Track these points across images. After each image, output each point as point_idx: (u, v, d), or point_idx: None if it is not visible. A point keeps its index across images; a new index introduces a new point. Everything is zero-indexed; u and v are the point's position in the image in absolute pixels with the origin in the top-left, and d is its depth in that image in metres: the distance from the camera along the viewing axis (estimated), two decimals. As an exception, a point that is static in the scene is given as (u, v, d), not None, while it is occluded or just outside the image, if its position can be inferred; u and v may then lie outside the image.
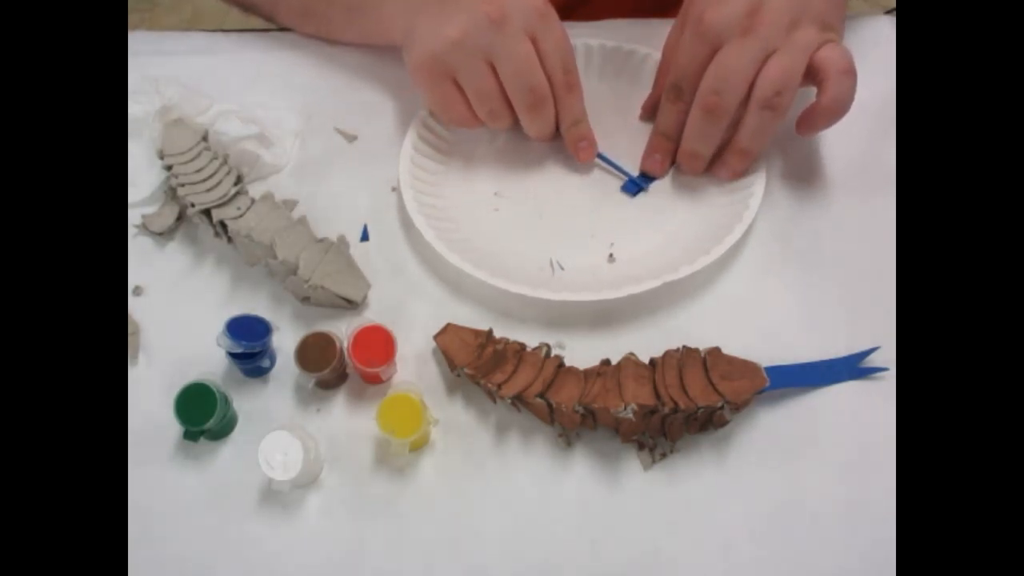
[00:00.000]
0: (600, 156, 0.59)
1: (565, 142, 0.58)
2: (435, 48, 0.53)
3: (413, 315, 0.54)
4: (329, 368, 0.48)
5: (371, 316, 0.54)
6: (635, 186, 0.58)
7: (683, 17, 0.55)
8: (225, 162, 0.55)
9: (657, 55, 0.60)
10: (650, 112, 0.60)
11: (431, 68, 0.54)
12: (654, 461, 0.48)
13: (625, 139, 0.60)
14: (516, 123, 0.56)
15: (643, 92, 0.61)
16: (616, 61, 0.62)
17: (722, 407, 0.47)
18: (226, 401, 0.48)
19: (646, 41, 0.61)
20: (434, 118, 0.59)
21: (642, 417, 0.46)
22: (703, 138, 0.54)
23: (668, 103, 0.56)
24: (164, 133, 0.56)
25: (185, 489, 0.48)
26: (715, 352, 0.49)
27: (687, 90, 0.54)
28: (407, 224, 0.57)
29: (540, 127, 0.55)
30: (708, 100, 0.52)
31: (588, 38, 0.62)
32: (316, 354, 0.49)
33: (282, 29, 0.68)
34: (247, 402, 0.51)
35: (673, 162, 0.58)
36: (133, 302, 0.55)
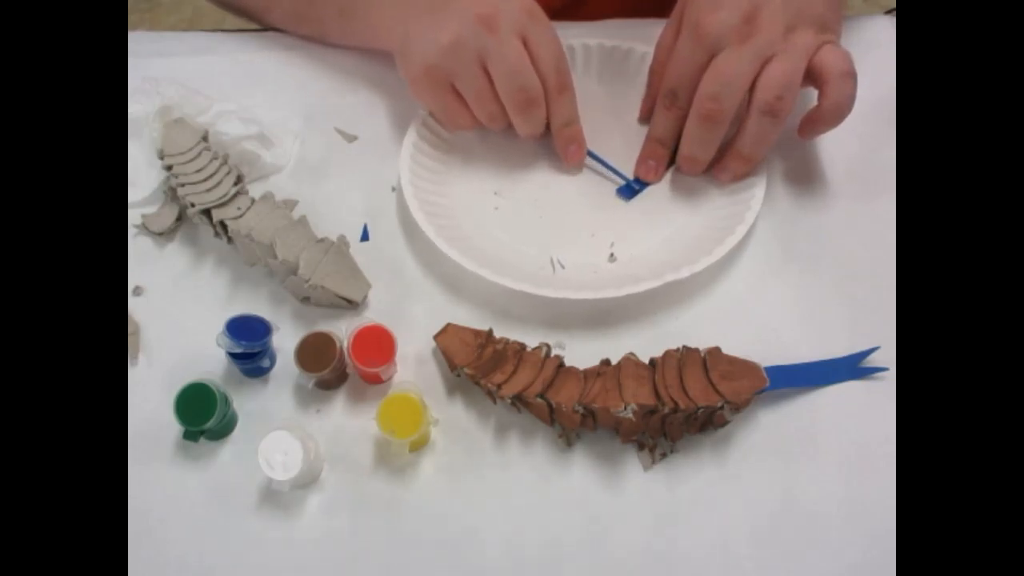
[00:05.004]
0: (592, 155, 0.59)
1: (555, 143, 0.58)
2: (430, 57, 0.53)
3: (413, 315, 0.54)
4: (329, 368, 0.48)
5: (371, 316, 0.54)
6: (630, 190, 0.58)
7: (677, 21, 0.55)
8: (225, 162, 0.55)
9: (656, 54, 0.60)
10: (648, 115, 0.60)
11: (429, 77, 0.54)
12: (654, 461, 0.49)
13: (623, 140, 0.60)
14: None
15: (642, 92, 0.61)
16: (615, 60, 0.62)
17: (722, 407, 0.47)
18: (226, 401, 0.48)
19: (645, 41, 0.61)
20: (434, 118, 0.59)
21: (642, 417, 0.46)
22: (702, 144, 0.54)
23: (663, 109, 0.55)
24: (164, 133, 0.56)
25: (185, 489, 0.48)
26: (715, 352, 0.49)
27: (683, 96, 0.54)
28: (407, 224, 0.57)
29: (530, 127, 0.56)
30: (706, 106, 0.52)
31: (586, 38, 0.62)
32: (316, 354, 0.49)
33: (278, 30, 0.68)
34: (247, 402, 0.51)
35: (669, 167, 0.58)
36: (133, 302, 0.55)
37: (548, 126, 0.57)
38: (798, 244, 0.56)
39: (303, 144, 0.62)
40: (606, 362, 0.50)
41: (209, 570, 0.46)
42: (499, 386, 0.48)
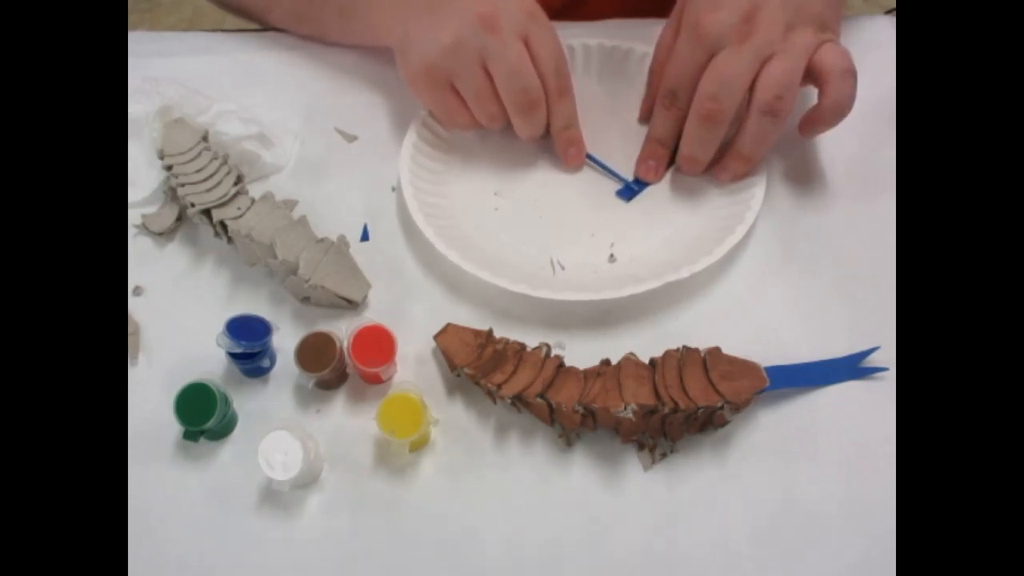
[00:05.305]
0: (591, 158, 0.59)
1: (555, 146, 0.58)
2: (430, 56, 0.53)
3: (413, 315, 0.54)
4: (329, 368, 0.48)
5: (371, 316, 0.54)
6: (629, 191, 0.58)
7: (677, 20, 0.55)
8: (225, 162, 0.55)
9: (657, 54, 0.60)
10: (648, 115, 0.60)
11: (429, 76, 0.54)
12: (654, 461, 0.49)
13: (623, 140, 0.60)
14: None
15: (642, 92, 0.61)
16: (615, 60, 0.62)
17: (722, 407, 0.47)
18: (226, 401, 0.48)
19: (645, 41, 0.61)
20: (434, 118, 0.59)
21: (642, 417, 0.46)
22: (701, 144, 0.54)
23: (663, 109, 0.55)
24: (164, 133, 0.56)
25: (185, 489, 0.48)
26: (715, 352, 0.49)
27: (683, 96, 0.54)
28: (407, 224, 0.57)
29: (531, 129, 0.56)
30: (706, 107, 0.52)
31: (586, 38, 0.62)
32: (316, 354, 0.49)
33: (279, 30, 0.68)
34: (247, 402, 0.51)
35: (669, 167, 0.58)
36: (133, 302, 0.55)
37: (547, 127, 0.57)
38: (798, 244, 0.56)
39: (303, 144, 0.62)
40: (606, 362, 0.50)
41: (209, 570, 0.46)
42: (499, 386, 0.48)
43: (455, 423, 0.50)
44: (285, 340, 0.51)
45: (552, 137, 0.57)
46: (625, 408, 0.46)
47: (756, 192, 0.55)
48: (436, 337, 0.51)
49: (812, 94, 0.53)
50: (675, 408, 0.46)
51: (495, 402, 0.50)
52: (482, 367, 0.49)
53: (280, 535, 0.47)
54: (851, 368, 0.51)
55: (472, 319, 0.53)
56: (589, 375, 0.49)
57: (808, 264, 0.55)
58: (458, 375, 0.51)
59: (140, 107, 0.58)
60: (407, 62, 0.56)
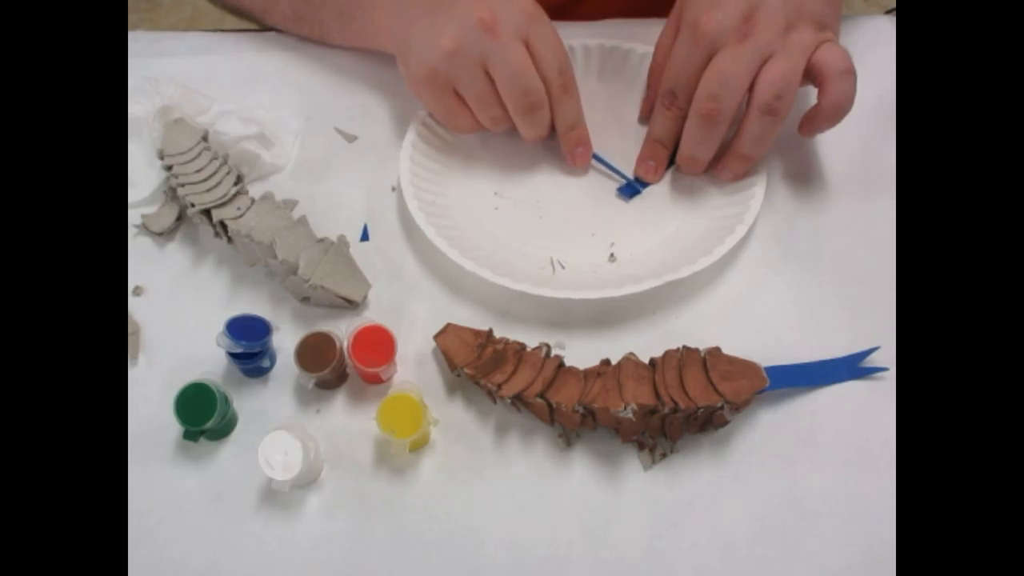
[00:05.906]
0: (596, 157, 0.59)
1: (562, 147, 0.57)
2: (432, 61, 0.53)
3: (413, 315, 0.54)
4: (329, 368, 0.48)
5: (371, 316, 0.54)
6: (631, 189, 0.58)
7: (676, 20, 0.55)
8: (225, 162, 0.55)
9: (657, 54, 0.60)
10: (649, 115, 0.60)
11: (431, 82, 0.54)
12: (654, 461, 0.49)
13: (623, 140, 0.60)
14: None
15: (643, 92, 0.61)
16: (615, 60, 0.62)
17: (722, 407, 0.47)
18: (226, 401, 0.48)
19: (645, 41, 0.61)
20: (435, 119, 0.59)
21: (642, 417, 0.46)
22: (701, 143, 0.54)
23: (663, 109, 0.55)
24: (164, 133, 0.56)
25: (185, 489, 0.48)
26: (715, 352, 0.49)
27: (682, 96, 0.54)
28: (407, 224, 0.57)
29: (535, 130, 0.55)
30: (705, 106, 0.52)
31: (586, 38, 0.62)
32: (316, 354, 0.49)
33: (278, 30, 0.68)
34: (247, 402, 0.51)
35: (668, 167, 0.58)
36: (133, 302, 0.55)
37: (552, 128, 0.57)
38: (798, 244, 0.56)
39: (303, 144, 0.62)
40: (606, 362, 0.50)
41: (209, 570, 0.46)
42: (499, 386, 0.48)
43: (455, 423, 0.50)
44: (285, 340, 0.51)
45: (559, 137, 0.57)
46: (625, 408, 0.46)
47: (756, 192, 0.55)
48: (436, 337, 0.51)
49: (812, 94, 0.53)
50: (675, 408, 0.46)
51: (495, 402, 0.50)
52: (482, 367, 0.49)
53: (280, 535, 0.47)
54: (851, 368, 0.51)
55: (472, 319, 0.53)
56: (589, 375, 0.49)
57: (808, 264, 0.55)
58: (458, 375, 0.51)
59: (140, 107, 0.58)
60: (408, 67, 0.56)
